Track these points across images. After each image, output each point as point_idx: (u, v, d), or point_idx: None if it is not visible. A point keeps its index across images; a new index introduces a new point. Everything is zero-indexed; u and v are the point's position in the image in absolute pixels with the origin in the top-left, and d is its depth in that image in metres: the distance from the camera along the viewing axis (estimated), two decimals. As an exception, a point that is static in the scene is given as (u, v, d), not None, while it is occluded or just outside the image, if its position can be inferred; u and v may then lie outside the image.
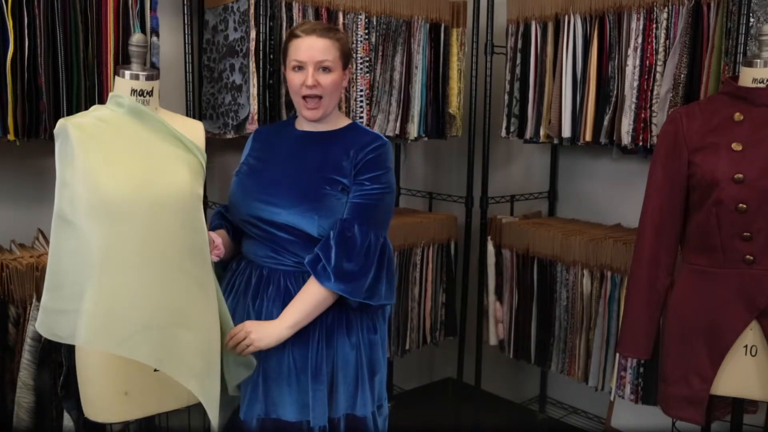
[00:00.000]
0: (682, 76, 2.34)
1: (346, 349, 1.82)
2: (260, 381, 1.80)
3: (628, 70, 2.46)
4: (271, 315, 1.79)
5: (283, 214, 1.79)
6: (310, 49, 1.79)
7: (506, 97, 2.89)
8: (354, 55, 2.58)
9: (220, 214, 2.00)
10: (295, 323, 1.74)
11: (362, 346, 1.85)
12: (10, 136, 1.94)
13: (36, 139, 1.99)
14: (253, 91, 2.33)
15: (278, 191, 1.81)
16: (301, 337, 1.78)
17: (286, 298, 1.79)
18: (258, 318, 1.80)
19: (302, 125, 1.93)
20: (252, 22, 2.32)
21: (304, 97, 1.82)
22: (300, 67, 1.80)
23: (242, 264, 1.91)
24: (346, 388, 1.83)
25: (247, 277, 1.86)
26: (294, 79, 1.82)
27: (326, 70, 1.80)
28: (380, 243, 1.79)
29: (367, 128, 1.93)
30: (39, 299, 1.64)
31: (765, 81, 1.86)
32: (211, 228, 1.95)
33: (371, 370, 1.87)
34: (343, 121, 1.93)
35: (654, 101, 2.40)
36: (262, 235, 1.84)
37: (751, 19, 2.14)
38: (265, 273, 1.84)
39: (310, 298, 1.74)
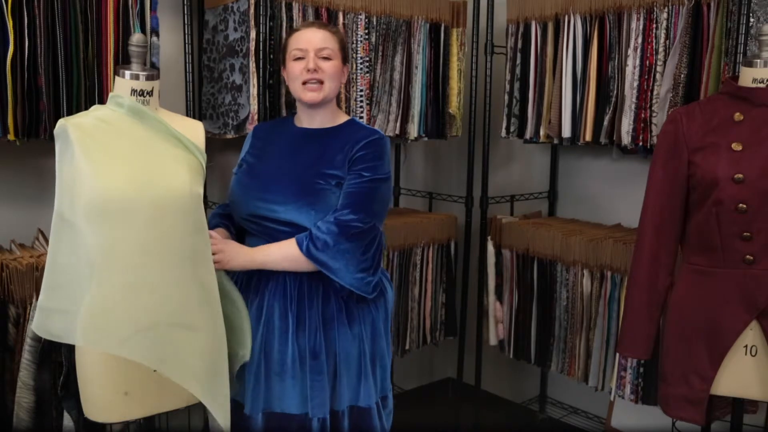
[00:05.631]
0: (682, 76, 2.33)
1: (348, 339, 1.84)
2: (262, 375, 1.82)
3: (628, 70, 2.46)
4: (272, 310, 1.83)
5: (280, 210, 1.82)
6: (311, 37, 1.86)
7: (506, 97, 2.89)
8: (354, 55, 2.58)
9: (219, 213, 2.01)
10: (263, 263, 1.81)
11: (365, 336, 1.87)
12: (10, 136, 1.94)
13: (36, 139, 1.99)
14: (253, 91, 2.33)
15: (275, 188, 1.84)
16: (301, 328, 1.81)
17: (285, 292, 1.83)
18: (259, 314, 1.83)
19: (301, 122, 1.96)
20: (252, 22, 2.32)
21: (305, 83, 1.85)
22: (301, 57, 1.85)
23: None
24: (349, 379, 1.85)
25: (248, 273, 1.88)
26: (295, 66, 1.86)
27: (326, 59, 1.85)
28: (365, 228, 1.79)
29: (365, 124, 1.97)
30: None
31: (765, 81, 1.86)
32: (210, 227, 1.95)
33: (374, 361, 1.90)
34: (341, 118, 1.95)
35: (654, 101, 2.40)
36: (262, 230, 1.87)
37: (751, 19, 2.14)
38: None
39: (282, 249, 1.80)
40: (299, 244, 1.77)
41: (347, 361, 1.85)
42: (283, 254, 1.80)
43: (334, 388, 1.84)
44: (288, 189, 1.83)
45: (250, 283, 1.89)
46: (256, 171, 1.93)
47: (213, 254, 1.71)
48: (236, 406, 1.86)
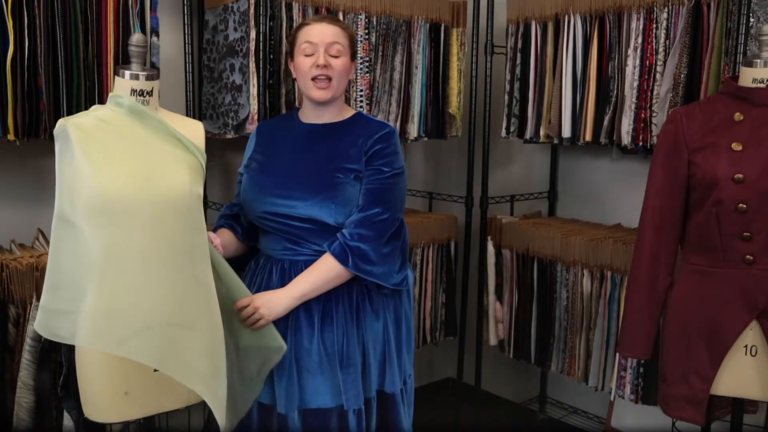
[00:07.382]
0: (682, 76, 2.33)
1: (374, 328, 1.86)
2: (294, 373, 1.82)
3: (628, 70, 2.46)
4: (298, 307, 1.82)
5: (300, 206, 1.82)
6: (321, 32, 1.84)
7: (506, 97, 2.89)
8: (354, 55, 2.58)
9: (224, 215, 2.01)
10: (303, 295, 1.79)
11: (389, 323, 1.89)
12: (10, 136, 1.94)
13: (36, 139, 1.99)
14: (253, 91, 2.33)
15: (293, 185, 1.84)
16: (328, 322, 1.81)
17: None
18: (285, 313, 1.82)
19: (307, 117, 1.95)
20: (252, 22, 2.32)
21: (314, 79, 1.84)
22: (310, 53, 1.84)
23: (261, 261, 1.93)
24: (375, 366, 1.87)
25: (268, 273, 1.88)
26: (305, 62, 1.85)
27: (336, 56, 1.85)
28: (396, 224, 1.84)
29: (372, 117, 1.98)
30: (39, 299, 1.64)
31: (765, 81, 1.86)
32: (215, 228, 1.95)
33: (398, 347, 1.91)
34: (348, 112, 1.95)
35: (654, 101, 2.40)
36: (279, 228, 1.86)
37: (751, 19, 2.14)
38: (286, 267, 1.86)
39: (324, 273, 1.79)
40: (342, 261, 1.77)
41: (374, 349, 1.86)
42: (324, 279, 1.79)
43: (364, 376, 1.85)
44: (307, 184, 1.82)
45: (271, 281, 1.87)
46: (269, 168, 1.91)
47: (253, 312, 1.74)
48: (262, 408, 1.86)
